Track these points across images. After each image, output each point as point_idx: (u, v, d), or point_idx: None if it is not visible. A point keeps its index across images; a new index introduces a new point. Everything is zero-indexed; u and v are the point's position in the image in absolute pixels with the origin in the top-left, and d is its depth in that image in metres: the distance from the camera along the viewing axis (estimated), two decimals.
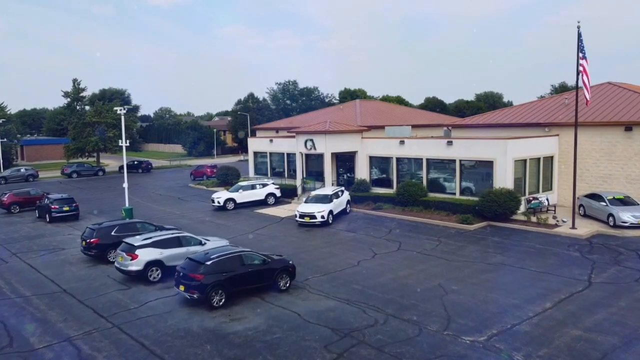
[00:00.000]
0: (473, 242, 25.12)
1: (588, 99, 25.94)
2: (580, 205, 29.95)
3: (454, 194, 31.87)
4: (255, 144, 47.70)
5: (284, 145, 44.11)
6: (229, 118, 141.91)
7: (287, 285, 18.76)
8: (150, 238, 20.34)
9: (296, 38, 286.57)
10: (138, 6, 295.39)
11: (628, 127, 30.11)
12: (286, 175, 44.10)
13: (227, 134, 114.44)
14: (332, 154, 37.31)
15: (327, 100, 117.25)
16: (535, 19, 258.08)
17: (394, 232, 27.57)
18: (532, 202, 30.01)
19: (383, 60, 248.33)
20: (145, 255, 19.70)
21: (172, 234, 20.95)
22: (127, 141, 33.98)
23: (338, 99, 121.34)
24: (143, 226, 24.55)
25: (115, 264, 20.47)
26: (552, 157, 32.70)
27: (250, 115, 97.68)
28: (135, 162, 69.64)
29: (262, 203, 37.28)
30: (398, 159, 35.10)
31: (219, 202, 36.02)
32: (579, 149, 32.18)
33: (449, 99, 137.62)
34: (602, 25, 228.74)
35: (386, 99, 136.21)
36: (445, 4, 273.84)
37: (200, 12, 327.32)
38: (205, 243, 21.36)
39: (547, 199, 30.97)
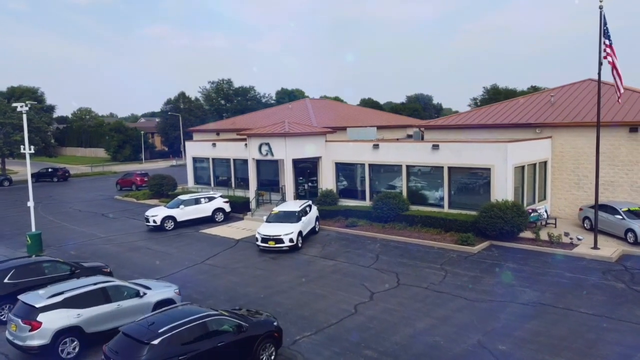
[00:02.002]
0: (485, 270, 20.29)
1: (622, 91, 21.83)
2: (586, 218, 26.09)
3: (442, 206, 27.10)
4: (195, 149, 40.90)
5: (230, 149, 37.76)
6: (157, 119, 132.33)
7: (272, 358, 12.88)
8: (62, 293, 13.65)
9: (225, 39, 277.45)
10: (55, 2, 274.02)
11: (633, 127, 26.64)
12: (233, 184, 37.76)
13: (155, 137, 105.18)
14: (293, 160, 31.64)
15: (264, 100, 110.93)
16: (455, 26, 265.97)
17: (382, 259, 22.26)
18: (532, 214, 25.74)
19: (313, 62, 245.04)
20: (54, 320, 13.08)
21: (95, 284, 14.28)
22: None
23: (275, 99, 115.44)
24: (54, 267, 17.60)
25: (7, 334, 13.61)
26: (545, 163, 28.78)
27: (182, 116, 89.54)
28: (49, 170, 60.13)
29: (209, 220, 30.82)
30: (372, 166, 29.89)
31: (154, 222, 29.18)
32: (575, 153, 28.59)
33: (380, 100, 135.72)
34: (518, 32, 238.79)
35: (322, 99, 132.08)
36: (372, 10, 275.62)
37: (122, 11, 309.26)
38: (144, 294, 14.95)
39: (546, 211, 26.94)
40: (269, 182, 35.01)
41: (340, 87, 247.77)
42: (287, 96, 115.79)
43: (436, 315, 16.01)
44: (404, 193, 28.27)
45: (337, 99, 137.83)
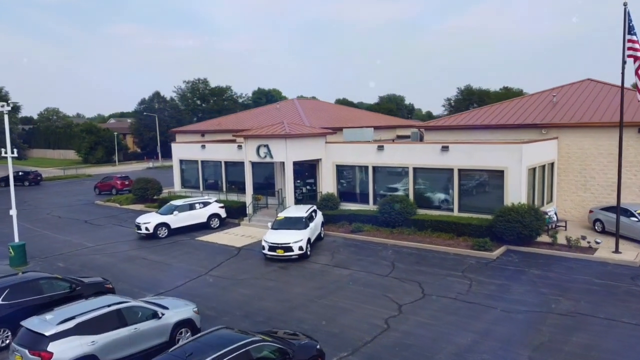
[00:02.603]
0: (510, 277, 19.40)
1: None
2: (597, 220, 25.58)
3: (451, 210, 26.20)
4: (182, 151, 39.06)
5: (220, 151, 36.12)
6: (129, 120, 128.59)
7: None
8: (73, 318, 12.02)
9: (194, 38, 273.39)
10: None
11: None
12: (224, 188, 36.12)
13: (127, 138, 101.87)
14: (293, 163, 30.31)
15: (240, 100, 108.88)
16: (424, 28, 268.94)
17: (399, 267, 21.17)
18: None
19: (284, 63, 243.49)
20: (66, 350, 11.47)
21: (108, 305, 12.68)
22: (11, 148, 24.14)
23: (252, 99, 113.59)
24: (52, 284, 15.82)
25: None
26: (552, 164, 28.23)
27: (159, 116, 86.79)
28: (20, 173, 57.09)
29: (204, 227, 29.18)
30: (375, 168, 28.79)
31: (147, 229, 27.38)
32: (582, 154, 28.12)
33: (354, 100, 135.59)
34: (484, 34, 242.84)
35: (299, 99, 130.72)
36: (341, 11, 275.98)
37: (88, 9, 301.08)
38: (162, 315, 13.42)
39: (556, 213, 26.33)
40: (261, 185, 33.56)
41: (313, 87, 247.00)
42: (264, 96, 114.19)
43: (474, 329, 14.98)
44: (411, 196, 27.27)
45: (314, 99, 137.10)
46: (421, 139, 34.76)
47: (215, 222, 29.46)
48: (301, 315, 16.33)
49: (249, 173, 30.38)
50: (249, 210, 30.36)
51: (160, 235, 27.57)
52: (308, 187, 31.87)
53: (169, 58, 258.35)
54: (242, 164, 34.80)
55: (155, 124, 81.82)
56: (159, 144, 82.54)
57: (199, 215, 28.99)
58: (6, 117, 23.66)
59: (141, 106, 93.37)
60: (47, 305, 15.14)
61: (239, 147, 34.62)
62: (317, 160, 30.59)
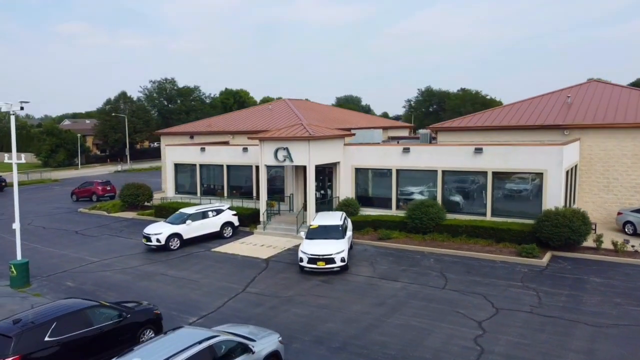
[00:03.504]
0: (574, 286, 18.49)
1: None
2: (627, 223, 25.26)
3: (484, 214, 25.23)
4: (177, 154, 36.53)
5: (222, 154, 33.94)
6: (87, 121, 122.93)
7: None
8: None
9: (144, 38, 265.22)
10: None
11: None
12: (226, 194, 33.96)
13: (87, 140, 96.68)
14: (302, 167, 28.62)
15: (208, 101, 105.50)
16: (377, 30, 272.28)
17: (451, 277, 19.92)
18: None
19: (238, 63, 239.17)
20: None
21: (199, 342, 10.63)
22: None
23: (220, 99, 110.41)
24: (100, 314, 13.51)
25: None
26: (575, 166, 27.79)
27: (121, 117, 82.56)
28: None
29: (216, 236, 27.07)
30: (400, 172, 27.50)
31: (159, 240, 25.02)
32: (605, 155, 27.82)
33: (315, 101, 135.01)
34: (431, 38, 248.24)
35: (268, 100, 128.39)
36: (294, 12, 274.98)
37: (33, 6, 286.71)
38: (253, 349, 11.53)
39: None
40: (270, 190, 31.66)
41: (271, 88, 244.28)
42: (232, 97, 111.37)
43: (575, 347, 13.86)
44: (439, 201, 26.14)
45: (280, 100, 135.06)
46: (430, 141, 33.80)
47: (228, 231, 27.39)
48: (379, 339, 14.76)
49: (264, 177, 28.42)
50: (263, 217, 28.42)
51: (172, 247, 25.28)
52: (322, 191, 30.24)
53: (121, 57, 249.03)
54: (247, 167, 32.95)
55: (125, 125, 77.74)
56: (127, 146, 78.49)
57: (212, 224, 26.85)
58: (12, 119, 20.84)
59: (107, 106, 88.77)
60: (98, 340, 13.03)
61: (244, 149, 32.62)
62: (335, 164, 29.01)
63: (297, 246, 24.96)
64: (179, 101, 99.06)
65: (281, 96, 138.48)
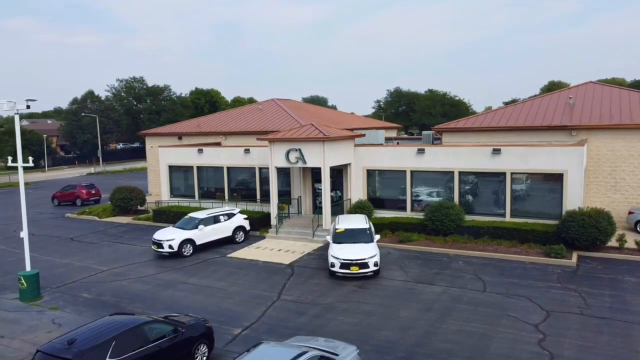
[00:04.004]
0: (613, 286, 18.52)
1: None
2: (639, 222, 25.75)
3: (502, 215, 25.19)
4: (171, 155, 35.09)
5: (222, 156, 32.80)
6: (50, 121, 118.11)
7: None
8: None
9: (97, 35, 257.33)
10: None
11: None
12: (226, 197, 32.84)
13: (52, 140, 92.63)
14: (310, 169, 27.95)
15: (179, 101, 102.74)
16: (336, 31, 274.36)
17: (487, 280, 19.65)
18: None
19: (198, 62, 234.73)
20: None
21: (292, 357, 9.86)
22: None
23: (190, 99, 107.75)
24: (155, 330, 12.45)
25: None
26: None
27: (88, 118, 79.36)
28: None
29: (228, 241, 26.03)
30: (414, 173, 27.18)
31: (171, 247, 23.79)
32: (612, 156, 28.25)
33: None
34: (386, 39, 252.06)
35: (239, 100, 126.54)
36: (254, 12, 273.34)
37: None
38: None
39: None
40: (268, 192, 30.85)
41: (235, 88, 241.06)
42: (203, 96, 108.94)
43: None
44: (456, 202, 25.94)
45: (251, 100, 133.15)
46: (433, 141, 33.70)
47: (240, 236, 26.39)
48: (443, 346, 14.27)
49: (274, 180, 27.52)
50: (274, 221, 27.55)
51: (185, 254, 24.10)
52: (332, 193, 29.57)
53: (73, 55, 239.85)
54: (248, 170, 32.00)
55: (96, 125, 74.71)
56: (100, 147, 75.48)
57: (224, 229, 25.79)
58: (17, 119, 19.33)
59: (73, 106, 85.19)
60: (156, 358, 12.03)
61: (246, 151, 31.63)
62: (345, 165, 28.43)
63: (318, 250, 24.42)
64: (148, 101, 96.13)
65: (252, 96, 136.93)
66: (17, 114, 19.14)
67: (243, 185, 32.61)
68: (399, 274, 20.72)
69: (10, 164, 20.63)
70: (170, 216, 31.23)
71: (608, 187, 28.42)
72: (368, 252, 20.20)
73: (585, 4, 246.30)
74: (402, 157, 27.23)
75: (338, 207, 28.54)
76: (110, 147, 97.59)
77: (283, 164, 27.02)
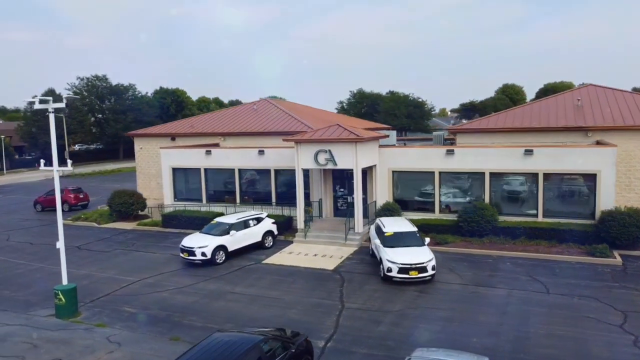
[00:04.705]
0: None
1: None
2: None
3: (534, 216, 25.28)
4: (175, 158, 33.38)
5: (234, 158, 31.45)
6: (0, 121, 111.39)
7: None
8: None
9: (34, 32, 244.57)
10: None
11: None
12: (238, 200, 31.53)
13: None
14: (331, 170, 27.21)
15: (144, 100, 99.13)
16: (285, 33, 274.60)
17: (544, 281, 19.51)
18: None
19: (143, 61, 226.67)
20: None
21: None
22: None
23: (155, 99, 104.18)
24: (266, 348, 11.37)
25: None
26: None
27: (46, 118, 75.03)
28: None
29: (257, 246, 24.88)
30: (442, 174, 26.91)
31: (204, 254, 22.42)
32: (627, 156, 28.91)
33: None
34: (335, 41, 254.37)
35: (204, 100, 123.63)
36: (200, 12, 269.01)
37: None
38: None
39: None
40: (287, 195, 29.91)
41: (193, 89, 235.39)
42: (168, 96, 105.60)
43: None
44: (487, 203, 25.84)
45: (217, 100, 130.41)
46: (443, 142, 33.67)
47: (269, 241, 25.29)
48: (544, 352, 13.88)
49: (300, 182, 26.57)
50: (300, 224, 26.59)
51: (217, 261, 22.79)
52: (354, 196, 28.83)
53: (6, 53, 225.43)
54: (263, 172, 30.81)
55: (63, 125, 70.74)
56: (67, 148, 71.55)
57: (254, 234, 24.62)
58: (52, 117, 17.62)
59: (30, 105, 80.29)
60: None
61: (260, 152, 30.48)
62: (371, 167, 27.80)
63: (356, 254, 23.79)
64: (112, 100, 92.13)
65: (217, 96, 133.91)
66: (52, 112, 17.44)
67: (256, 188, 31.42)
68: (452, 277, 20.31)
69: (42, 167, 18.76)
70: (182, 221, 29.66)
71: (622, 186, 29.06)
72: (425, 256, 19.68)
73: (529, 10, 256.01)
74: (430, 158, 26.91)
75: (364, 210, 27.87)
76: (70, 148, 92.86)
77: (311, 165, 26.13)
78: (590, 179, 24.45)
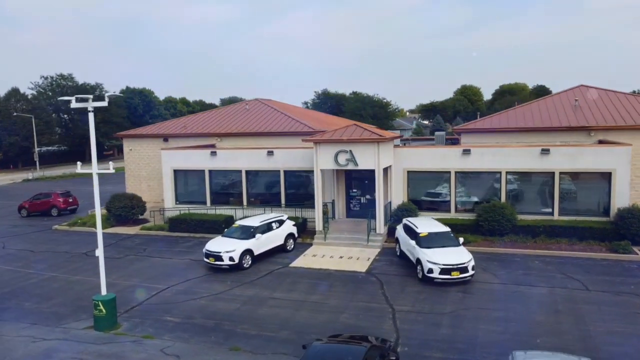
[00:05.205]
0: None
1: None
2: None
3: (550, 214, 25.79)
4: (178, 159, 32.26)
5: (240, 159, 30.68)
6: None
7: None
8: None
9: None
10: None
11: None
12: (245, 202, 30.79)
13: None
14: (344, 171, 26.98)
15: (111, 100, 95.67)
16: (244, 32, 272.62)
17: (579, 279, 19.88)
18: None
19: (97, 58, 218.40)
20: None
21: None
22: None
23: (123, 99, 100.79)
24: (372, 357, 11.00)
25: None
26: None
27: (15, 118, 71.52)
28: None
29: (280, 250, 24.34)
30: (458, 174, 27.10)
31: (232, 259, 21.71)
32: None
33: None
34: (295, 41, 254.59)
35: (171, 100, 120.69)
36: (157, 9, 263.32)
37: None
38: None
39: None
40: (296, 196, 29.52)
41: (152, 87, 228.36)
42: (136, 96, 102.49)
43: None
44: (504, 202, 26.20)
45: (183, 100, 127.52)
46: (445, 142, 34.00)
47: (290, 244, 24.80)
48: (617, 349, 14.09)
49: (319, 184, 26.15)
50: (319, 226, 26.20)
51: (245, 266, 22.13)
52: (368, 196, 28.71)
53: None
54: (271, 173, 30.26)
55: (32, 126, 67.39)
56: (36, 149, 68.23)
57: (278, 237, 24.07)
58: (91, 117, 16.61)
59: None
60: None
61: (269, 153, 29.88)
62: (385, 168, 27.67)
63: (382, 256, 23.70)
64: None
65: (184, 96, 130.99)
66: (92, 111, 16.46)
67: (264, 190, 30.78)
68: (489, 277, 20.44)
69: (79, 169, 17.67)
70: (190, 225, 28.73)
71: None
72: (465, 256, 19.73)
73: (480, 13, 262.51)
74: (446, 158, 27.04)
75: (367, 208, 27.77)
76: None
77: (330, 166, 25.78)
78: (605, 177, 25.15)
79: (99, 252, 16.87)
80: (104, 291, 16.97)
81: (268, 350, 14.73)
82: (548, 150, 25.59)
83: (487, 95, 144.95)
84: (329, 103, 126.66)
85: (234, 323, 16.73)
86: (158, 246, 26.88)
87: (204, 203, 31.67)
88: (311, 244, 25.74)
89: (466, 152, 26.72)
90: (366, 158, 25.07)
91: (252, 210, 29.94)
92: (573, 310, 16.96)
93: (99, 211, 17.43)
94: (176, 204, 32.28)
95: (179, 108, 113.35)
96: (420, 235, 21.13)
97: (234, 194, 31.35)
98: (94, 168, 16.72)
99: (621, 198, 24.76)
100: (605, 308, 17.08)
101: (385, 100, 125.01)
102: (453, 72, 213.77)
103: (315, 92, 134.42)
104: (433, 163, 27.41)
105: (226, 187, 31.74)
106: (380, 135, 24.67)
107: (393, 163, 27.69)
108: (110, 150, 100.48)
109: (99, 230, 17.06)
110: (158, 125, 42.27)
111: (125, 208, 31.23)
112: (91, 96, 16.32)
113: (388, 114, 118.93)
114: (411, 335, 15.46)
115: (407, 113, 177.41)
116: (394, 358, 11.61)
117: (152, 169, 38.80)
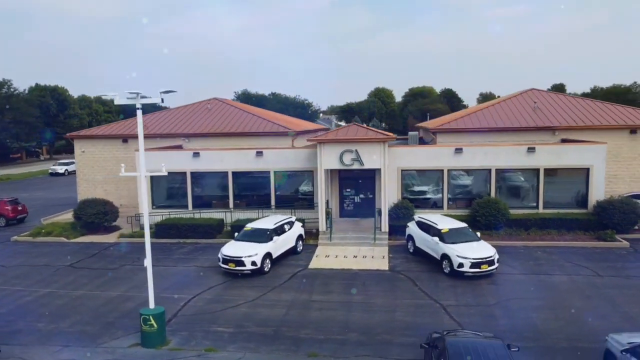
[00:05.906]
0: None
1: None
2: None
3: (535, 207, 27.59)
4: (156, 160, 30.11)
5: (227, 160, 29.48)
6: None
7: None
8: None
9: None
10: None
11: (633, 130, 32.37)
12: (231, 204, 29.67)
13: None
14: (337, 170, 27.00)
15: (21, 98, 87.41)
16: (140, 29, 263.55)
17: (586, 266, 21.54)
18: None
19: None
20: None
21: None
22: None
23: (35, 96, 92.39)
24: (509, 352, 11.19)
25: None
26: None
27: None
28: None
29: (291, 252, 23.79)
30: (451, 172, 28.09)
31: (254, 264, 20.86)
32: None
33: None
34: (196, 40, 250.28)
35: (86, 98, 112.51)
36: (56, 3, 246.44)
37: None
38: None
39: None
40: (289, 198, 29.06)
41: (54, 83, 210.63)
42: (49, 93, 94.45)
43: None
44: (495, 197, 27.60)
45: (98, 98, 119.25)
46: (419, 142, 35.12)
47: (300, 245, 24.34)
48: None
49: (322, 184, 25.90)
50: (323, 226, 25.93)
51: (265, 270, 21.38)
52: (362, 195, 28.89)
53: None
54: (260, 174, 29.42)
55: None
56: None
57: (290, 239, 23.52)
58: (139, 115, 15.19)
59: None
60: None
61: (258, 153, 29.08)
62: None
63: (395, 253, 24.08)
64: None
65: (103, 95, 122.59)
66: (140, 108, 15.10)
67: (252, 191, 29.85)
68: (507, 269, 21.45)
69: (123, 173, 16.06)
70: (181, 230, 27.18)
71: None
72: (490, 250, 20.61)
73: (375, 21, 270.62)
74: (440, 157, 27.95)
75: (368, 209, 28.06)
76: None
77: (335, 165, 25.64)
78: (584, 172, 27.38)
79: (147, 262, 15.51)
80: (151, 304, 15.65)
81: (349, 354, 14.45)
82: (534, 148, 27.35)
83: (398, 97, 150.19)
84: (250, 103, 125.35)
85: (293, 329, 16.16)
86: (152, 254, 25.04)
87: (185, 207, 30.07)
88: (316, 245, 25.43)
89: (458, 151, 27.78)
90: (372, 157, 25.27)
91: (240, 212, 28.97)
92: (602, 295, 18.35)
93: (147, 218, 16.13)
94: (153, 208, 30.33)
95: (94, 107, 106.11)
96: (442, 231, 21.70)
97: (218, 197, 30.11)
98: (142, 170, 15.32)
99: (598, 191, 27.09)
100: (627, 291, 18.66)
101: (307, 102, 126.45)
102: (365, 74, 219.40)
103: (235, 92, 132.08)
104: (427, 162, 28.19)
105: (209, 190, 30.36)
106: (386, 135, 24.96)
107: (388, 162, 28.10)
108: (18, 153, 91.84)
109: (147, 240, 15.74)
110: (112, 125, 39.40)
111: (97, 215, 28.79)
112: (139, 93, 14.83)
113: (310, 114, 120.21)
114: (478, 329, 15.74)
115: (321, 114, 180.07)
116: (516, 349, 11.89)
117: (110, 172, 36.26)
